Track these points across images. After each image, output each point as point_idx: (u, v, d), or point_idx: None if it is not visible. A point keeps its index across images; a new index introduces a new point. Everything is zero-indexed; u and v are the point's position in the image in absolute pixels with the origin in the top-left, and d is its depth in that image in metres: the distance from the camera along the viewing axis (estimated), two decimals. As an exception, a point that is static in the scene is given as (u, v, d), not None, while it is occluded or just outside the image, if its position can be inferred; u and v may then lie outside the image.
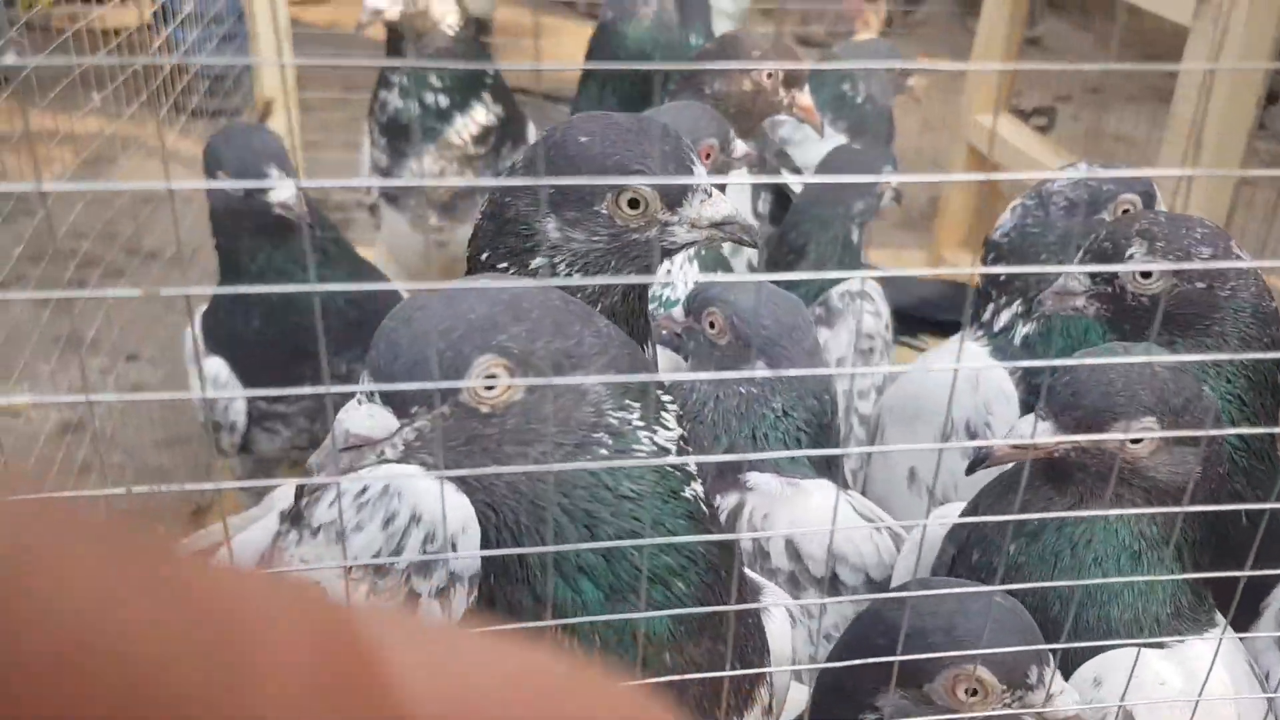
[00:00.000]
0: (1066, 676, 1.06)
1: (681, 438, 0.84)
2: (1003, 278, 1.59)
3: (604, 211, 1.02)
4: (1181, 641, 1.10)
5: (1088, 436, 1.04)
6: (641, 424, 0.81)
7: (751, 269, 1.94)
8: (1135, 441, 1.06)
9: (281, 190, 1.59)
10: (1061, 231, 1.54)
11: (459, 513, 1.16)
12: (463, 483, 0.79)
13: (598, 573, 0.81)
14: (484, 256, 1.06)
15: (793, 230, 1.88)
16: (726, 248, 1.76)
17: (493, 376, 0.76)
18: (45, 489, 0.22)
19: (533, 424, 0.77)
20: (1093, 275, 1.30)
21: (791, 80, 1.78)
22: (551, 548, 0.79)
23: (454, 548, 1.19)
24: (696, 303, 1.37)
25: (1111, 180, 1.54)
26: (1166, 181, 2.20)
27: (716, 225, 1.05)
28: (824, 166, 1.93)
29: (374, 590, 1.24)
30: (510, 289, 0.79)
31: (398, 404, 0.76)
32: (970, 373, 1.55)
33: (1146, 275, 1.27)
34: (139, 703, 0.19)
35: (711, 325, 1.35)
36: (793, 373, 1.33)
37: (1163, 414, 1.05)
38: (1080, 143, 3.25)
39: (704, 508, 0.86)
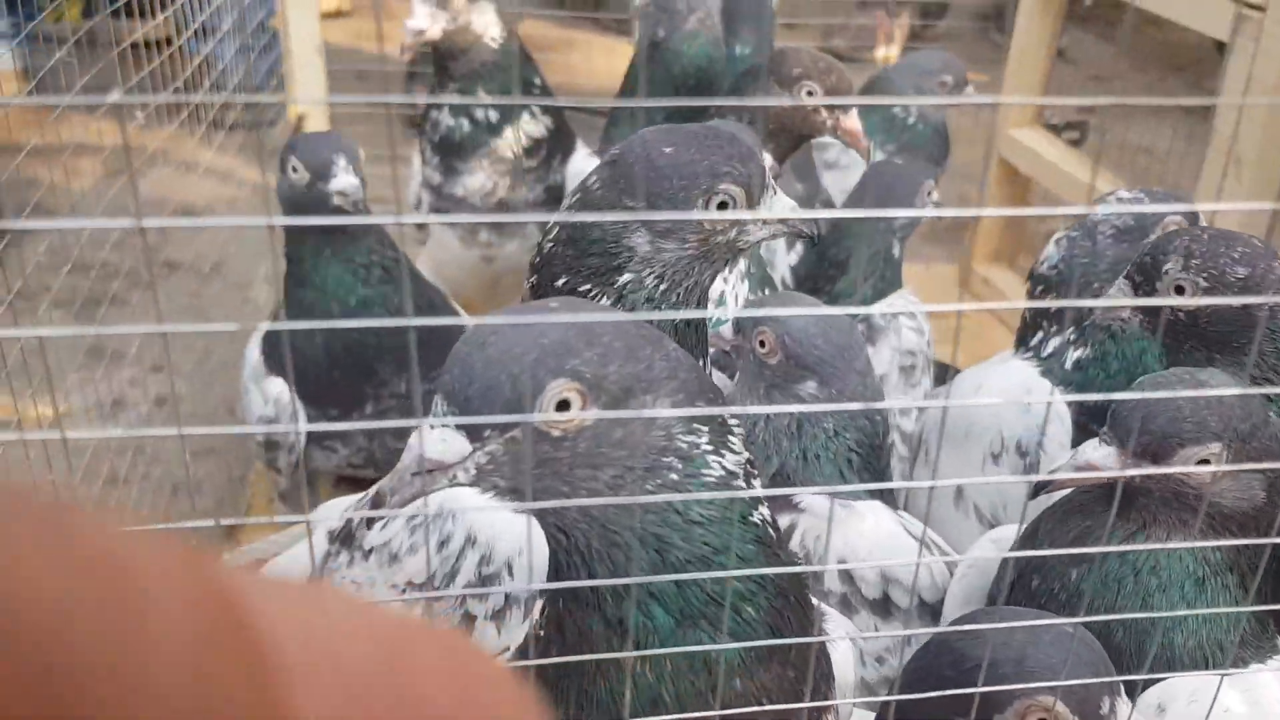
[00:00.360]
0: (1135, 687, 1.05)
1: (749, 461, 0.84)
2: (1053, 310, 1.59)
3: (694, 216, 1.04)
4: (1245, 669, 1.08)
5: (1156, 468, 1.03)
6: (710, 448, 0.80)
7: (785, 286, 1.94)
8: (1200, 464, 1.05)
9: (343, 179, 1.64)
10: (1112, 259, 1.54)
11: (514, 535, 1.15)
12: (540, 515, 0.79)
13: (668, 598, 0.80)
14: (560, 282, 1.06)
15: (834, 246, 1.87)
16: (776, 260, 1.76)
17: (565, 402, 0.75)
18: (79, 500, 0.23)
19: (603, 448, 0.77)
20: (1134, 286, 1.30)
21: (835, 98, 1.76)
22: (634, 579, 0.79)
23: (510, 570, 1.18)
24: (747, 321, 1.36)
25: (1154, 203, 1.55)
26: (1204, 198, 2.20)
27: (783, 220, 1.08)
28: (865, 180, 1.92)
29: (429, 612, 1.23)
30: (583, 314, 0.79)
31: (471, 428, 0.75)
32: (1020, 393, 1.55)
33: (1179, 291, 1.27)
34: (34, 658, 0.19)
35: (762, 344, 1.34)
36: (871, 406, 1.33)
37: (1230, 440, 1.05)
38: (1109, 156, 3.22)
39: (771, 531, 0.86)
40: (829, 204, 2.31)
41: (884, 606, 1.30)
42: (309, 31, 2.56)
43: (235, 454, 2.29)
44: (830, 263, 1.87)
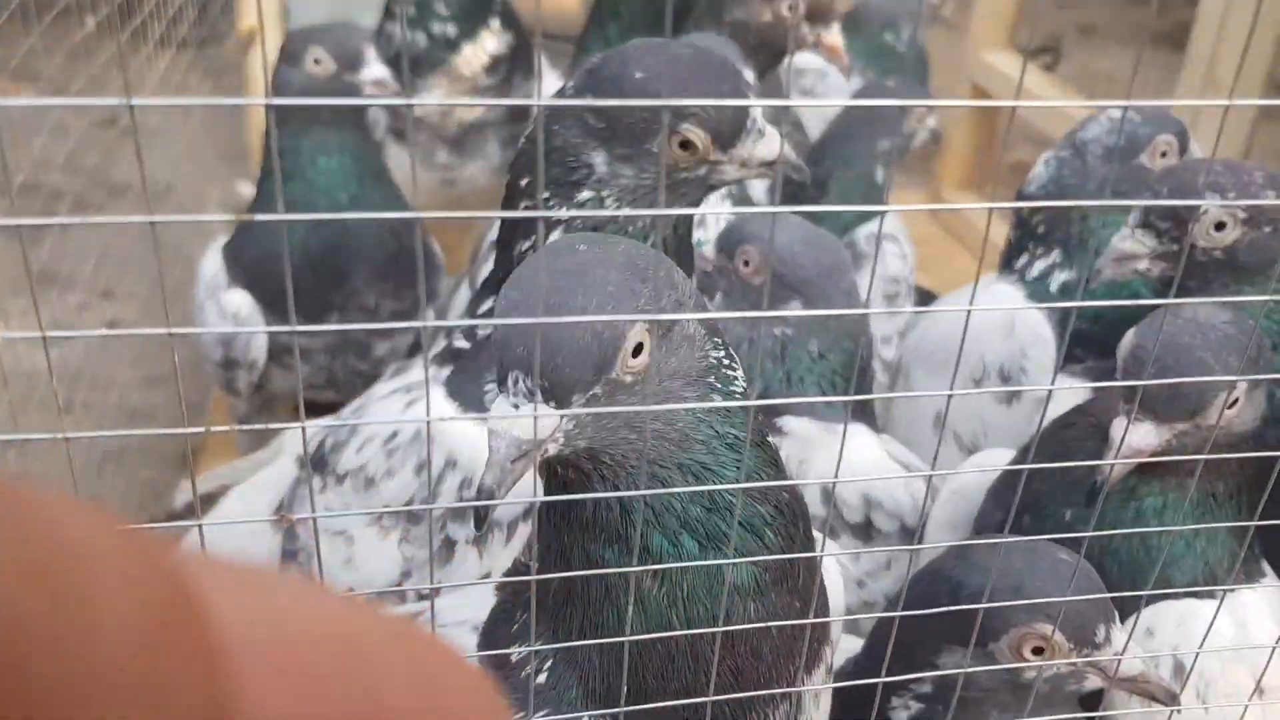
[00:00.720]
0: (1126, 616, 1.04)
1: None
2: (1040, 230, 1.55)
3: (655, 150, 1.00)
4: (1232, 591, 1.07)
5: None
6: (728, 361, 0.81)
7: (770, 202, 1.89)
8: (1230, 407, 1.02)
9: (375, 67, 1.60)
10: (1101, 179, 1.49)
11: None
12: (592, 460, 0.77)
13: (698, 525, 0.79)
14: (524, 183, 1.04)
15: (814, 167, 1.82)
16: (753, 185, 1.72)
17: (639, 345, 0.74)
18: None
19: (664, 381, 0.77)
20: (1158, 235, 1.24)
21: (817, 15, 1.70)
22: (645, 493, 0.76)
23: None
24: (730, 240, 1.32)
25: (1147, 123, 1.50)
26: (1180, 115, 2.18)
27: (767, 164, 1.03)
28: (852, 108, 1.86)
29: (407, 538, 1.20)
30: (614, 250, 0.76)
31: (561, 395, 0.72)
32: (1005, 315, 1.52)
33: (1220, 228, 1.23)
34: None
35: (746, 263, 1.31)
36: (848, 315, 1.30)
37: (1247, 370, 1.02)
38: (1080, 82, 3.20)
39: (778, 455, 0.85)
40: (799, 127, 2.26)
41: (865, 530, 1.28)
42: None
43: (191, 380, 2.22)
44: (813, 183, 1.82)
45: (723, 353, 0.81)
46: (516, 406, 0.72)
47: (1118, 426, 1.02)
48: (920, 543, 1.27)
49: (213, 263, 1.73)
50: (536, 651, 0.86)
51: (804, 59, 2.45)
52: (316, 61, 1.60)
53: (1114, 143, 1.52)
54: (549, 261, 0.75)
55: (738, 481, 0.79)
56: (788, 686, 0.85)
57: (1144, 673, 0.94)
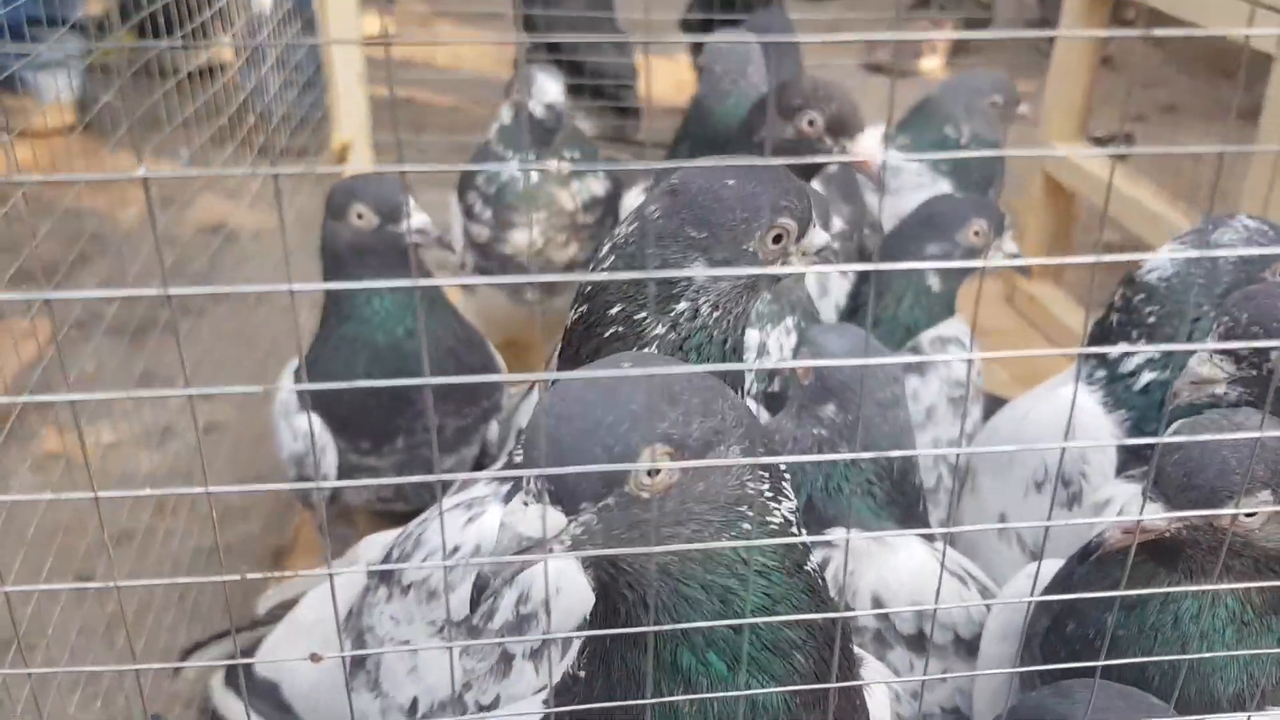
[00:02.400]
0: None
1: (796, 509, 0.85)
2: (1151, 320, 1.50)
3: (751, 249, 1.06)
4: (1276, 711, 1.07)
5: (1196, 513, 1.01)
6: (771, 494, 0.82)
7: (836, 310, 1.94)
8: (1248, 516, 1.03)
9: (417, 218, 1.69)
10: (1228, 285, 1.46)
11: (551, 576, 1.16)
12: (614, 566, 0.80)
13: (725, 645, 0.82)
14: (615, 310, 1.07)
15: (876, 275, 1.85)
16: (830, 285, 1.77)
17: (657, 469, 0.76)
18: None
19: (688, 504, 0.79)
20: (1237, 360, 1.24)
21: (839, 128, 1.75)
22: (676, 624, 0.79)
23: (546, 609, 1.18)
24: (801, 344, 1.38)
25: (1278, 237, 1.47)
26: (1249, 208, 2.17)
27: (818, 252, 1.11)
28: (918, 208, 1.89)
29: (467, 650, 1.24)
30: (659, 372, 0.79)
31: (567, 501, 0.76)
32: (1066, 420, 1.51)
33: None
34: None
35: (795, 370, 1.35)
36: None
37: (1277, 485, 1.03)
38: (1154, 168, 3.18)
39: (820, 580, 0.87)
40: (876, 226, 2.30)
41: (919, 642, 1.29)
42: (351, 59, 2.59)
43: (282, 481, 2.31)
44: (875, 295, 1.85)
45: (767, 485, 0.82)
46: (526, 505, 0.76)
47: (1133, 500, 1.07)
48: (976, 655, 1.28)
49: (286, 384, 1.83)
50: None
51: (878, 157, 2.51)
52: (359, 216, 1.70)
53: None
54: (590, 374, 0.79)
55: (763, 605, 0.81)
56: None
57: None
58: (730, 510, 0.80)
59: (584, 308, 1.11)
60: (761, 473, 0.82)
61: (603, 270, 1.11)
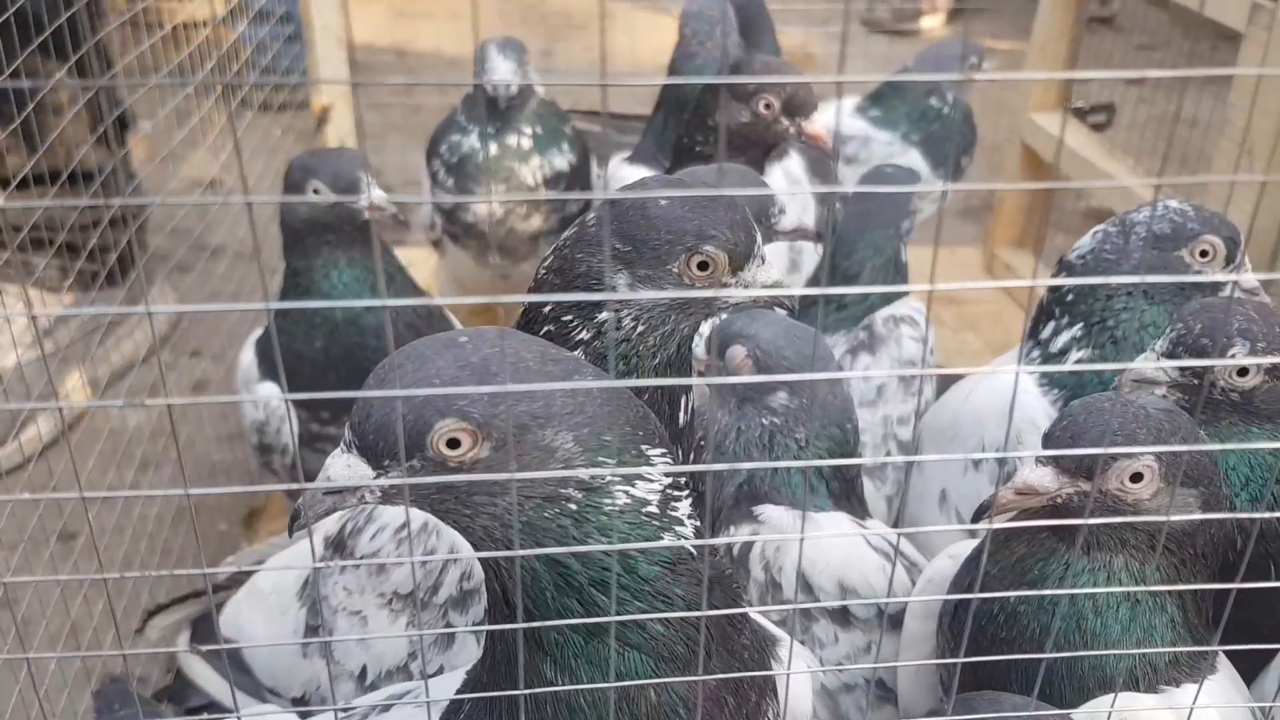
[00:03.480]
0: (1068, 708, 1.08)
1: (671, 486, 0.88)
2: (1070, 298, 1.58)
3: (675, 270, 1.08)
4: (1177, 688, 1.11)
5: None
6: (617, 478, 0.85)
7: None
8: (1135, 480, 1.08)
9: (374, 193, 1.72)
10: (1136, 262, 1.52)
11: None
12: (447, 520, 0.86)
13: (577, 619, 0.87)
14: (546, 309, 1.11)
15: (846, 259, 1.89)
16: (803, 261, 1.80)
17: (455, 440, 0.81)
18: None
19: (521, 486, 0.83)
20: (1181, 368, 1.29)
21: (793, 108, 1.78)
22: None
23: None
24: (719, 340, 1.40)
25: (1198, 220, 1.52)
26: (1218, 187, 2.19)
27: (767, 289, 1.12)
28: (860, 196, 1.93)
29: (413, 623, 1.29)
30: (486, 348, 0.84)
31: (371, 457, 0.83)
32: (1005, 399, 1.56)
33: (1243, 373, 1.28)
34: None
35: (738, 363, 1.38)
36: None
37: (1162, 454, 1.08)
38: (1137, 138, 3.19)
39: (689, 550, 0.89)
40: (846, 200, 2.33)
41: (843, 616, 1.34)
42: (330, 23, 2.62)
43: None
44: (842, 276, 1.89)
45: (608, 470, 0.85)
46: (341, 454, 0.84)
47: (1024, 468, 1.10)
48: (900, 628, 1.33)
49: (248, 355, 1.89)
50: None
51: (850, 127, 2.53)
52: (316, 191, 1.73)
53: (1160, 230, 1.53)
54: (421, 344, 0.85)
55: (605, 580, 0.86)
56: None
57: None
58: (554, 490, 0.83)
59: (527, 305, 1.15)
60: (605, 459, 0.85)
61: (544, 269, 1.14)
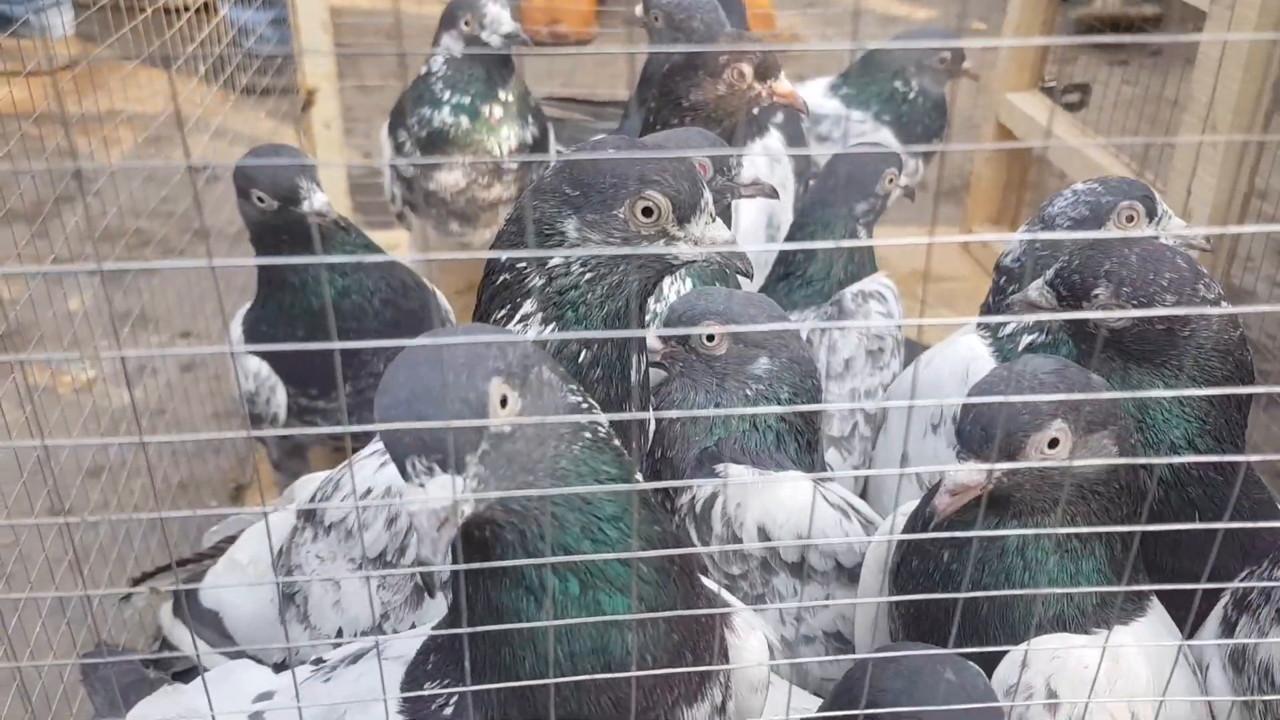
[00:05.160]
0: (996, 658, 1.13)
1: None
2: (1011, 297, 1.61)
3: (621, 215, 1.13)
4: (1111, 630, 1.16)
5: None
6: (584, 403, 0.95)
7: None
8: (1052, 446, 1.12)
9: (315, 199, 1.73)
10: (1068, 251, 1.56)
11: None
12: (506, 509, 0.88)
13: (581, 565, 0.92)
14: (504, 259, 1.16)
15: (799, 233, 1.94)
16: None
17: (504, 399, 0.85)
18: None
19: (544, 429, 0.89)
20: (1059, 297, 1.35)
21: (765, 73, 1.81)
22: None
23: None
24: (682, 322, 1.43)
25: (1109, 192, 1.58)
26: (1182, 160, 2.23)
27: (717, 248, 1.16)
28: (827, 169, 1.98)
29: (384, 584, 1.34)
30: (459, 331, 0.90)
31: (458, 464, 0.83)
32: (961, 366, 1.62)
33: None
34: None
35: (710, 338, 1.42)
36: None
37: (1067, 414, 1.12)
38: (1111, 117, 3.23)
39: (647, 494, 0.97)
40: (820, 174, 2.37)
41: (800, 569, 1.39)
42: (316, 9, 2.65)
43: (245, 426, 2.41)
44: (797, 253, 1.93)
45: (579, 398, 0.93)
46: (422, 486, 0.83)
47: (952, 469, 1.14)
48: (857, 582, 1.38)
49: (236, 329, 1.93)
50: (450, 684, 0.99)
51: (823, 106, 2.57)
52: (260, 199, 1.75)
53: (1079, 214, 1.60)
54: (406, 360, 0.87)
55: (615, 511, 0.92)
56: (665, 715, 0.96)
57: None
58: (574, 428, 0.91)
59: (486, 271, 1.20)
60: (570, 385, 0.94)
61: (506, 222, 1.20)
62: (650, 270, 1.17)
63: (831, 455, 1.74)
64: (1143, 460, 1.20)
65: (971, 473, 1.13)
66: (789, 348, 1.45)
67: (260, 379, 1.86)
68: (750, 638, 1.07)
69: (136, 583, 1.67)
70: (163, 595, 1.66)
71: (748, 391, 1.44)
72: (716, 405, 1.44)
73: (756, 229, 2.20)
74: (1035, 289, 1.37)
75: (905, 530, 1.28)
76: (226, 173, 3.38)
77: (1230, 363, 1.33)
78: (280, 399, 1.87)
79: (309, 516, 1.40)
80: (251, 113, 3.38)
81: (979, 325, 1.70)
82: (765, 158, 2.24)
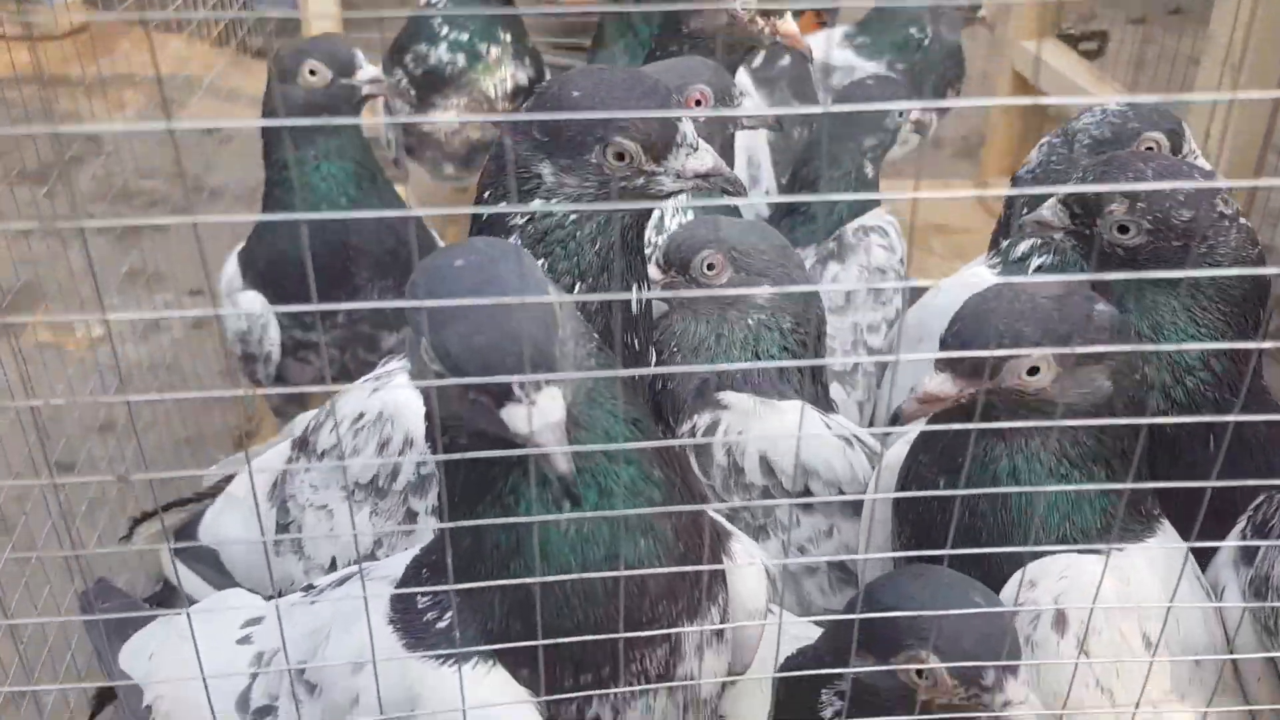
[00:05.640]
0: (999, 586, 1.10)
1: None
2: (1024, 211, 1.58)
3: (593, 160, 1.11)
4: (1121, 550, 1.13)
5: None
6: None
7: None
8: (1032, 374, 1.09)
9: (369, 69, 1.74)
10: (1082, 168, 1.54)
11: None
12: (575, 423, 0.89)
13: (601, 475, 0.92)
14: (486, 195, 1.15)
15: (804, 166, 1.91)
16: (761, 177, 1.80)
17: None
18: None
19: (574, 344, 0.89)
20: (1071, 215, 1.31)
21: (769, 10, 1.78)
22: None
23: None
24: (680, 254, 1.41)
25: (1138, 118, 1.54)
26: (1200, 106, 2.18)
27: (702, 177, 1.13)
28: (840, 100, 1.94)
29: (376, 510, 1.32)
30: (494, 253, 0.88)
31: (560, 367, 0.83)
32: (969, 295, 1.58)
33: (1124, 230, 1.28)
34: None
35: (710, 267, 1.39)
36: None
37: (1051, 341, 1.09)
38: (1130, 66, 3.17)
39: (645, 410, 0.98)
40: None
41: (804, 498, 1.37)
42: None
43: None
44: (802, 183, 1.90)
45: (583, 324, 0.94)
46: (533, 403, 0.81)
47: (926, 378, 1.13)
48: (859, 513, 1.35)
49: (230, 266, 1.90)
50: (439, 601, 0.97)
51: (835, 57, 2.54)
52: (312, 73, 1.74)
53: (1101, 134, 1.56)
54: (464, 284, 0.84)
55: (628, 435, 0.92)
56: (668, 627, 0.95)
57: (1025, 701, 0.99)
58: (586, 340, 0.92)
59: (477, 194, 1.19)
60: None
61: (489, 158, 1.18)
62: (628, 199, 1.15)
63: (835, 391, 1.71)
64: (1131, 421, 1.15)
65: (942, 383, 1.11)
66: (792, 277, 1.41)
67: (253, 317, 1.83)
68: (749, 566, 1.05)
69: (136, 524, 1.65)
70: (161, 535, 1.65)
71: (749, 321, 1.41)
72: (718, 336, 1.41)
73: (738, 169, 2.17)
74: (1048, 208, 1.34)
75: (906, 460, 1.25)
76: (238, 135, 3.40)
77: (1248, 281, 1.29)
78: (274, 336, 1.84)
79: (302, 446, 1.38)
80: (261, 76, 3.37)
81: (989, 253, 1.67)
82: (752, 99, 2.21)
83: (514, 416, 0.82)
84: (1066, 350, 1.09)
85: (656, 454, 0.95)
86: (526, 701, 0.94)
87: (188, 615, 1.06)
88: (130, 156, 3.05)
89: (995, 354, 1.09)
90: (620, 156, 1.10)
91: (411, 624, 0.98)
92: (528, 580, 0.90)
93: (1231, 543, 1.20)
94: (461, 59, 2.23)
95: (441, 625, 0.97)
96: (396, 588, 1.02)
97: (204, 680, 0.95)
